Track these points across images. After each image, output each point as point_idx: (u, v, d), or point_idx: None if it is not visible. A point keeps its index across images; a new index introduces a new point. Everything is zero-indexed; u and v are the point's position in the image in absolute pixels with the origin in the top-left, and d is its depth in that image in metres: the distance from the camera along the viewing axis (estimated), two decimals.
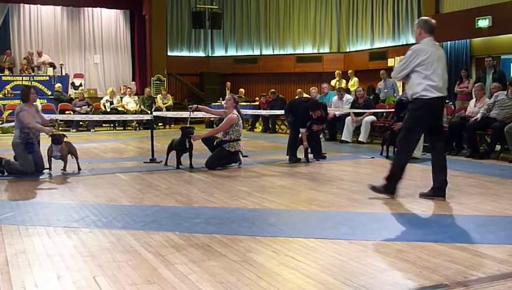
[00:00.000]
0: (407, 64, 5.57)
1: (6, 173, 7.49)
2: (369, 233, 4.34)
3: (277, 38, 20.90)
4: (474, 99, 10.13)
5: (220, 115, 9.34)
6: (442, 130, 6.07)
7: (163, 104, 17.77)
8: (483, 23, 13.86)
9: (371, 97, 13.59)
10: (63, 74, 18.39)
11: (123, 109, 17.07)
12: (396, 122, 9.23)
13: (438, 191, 5.61)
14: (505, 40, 13.77)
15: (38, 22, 19.69)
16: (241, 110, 8.89)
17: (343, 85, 15.73)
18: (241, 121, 8.35)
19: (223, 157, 8.15)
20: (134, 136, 14.32)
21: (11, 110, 14.75)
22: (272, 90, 16.57)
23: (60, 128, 15.51)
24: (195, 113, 8.75)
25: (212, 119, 16.11)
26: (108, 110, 17.00)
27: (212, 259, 3.65)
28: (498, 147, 9.32)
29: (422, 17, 6.10)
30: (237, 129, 8.18)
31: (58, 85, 17.32)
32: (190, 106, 8.81)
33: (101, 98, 18.03)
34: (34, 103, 8.03)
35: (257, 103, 17.43)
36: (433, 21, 5.77)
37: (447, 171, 5.63)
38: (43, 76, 17.83)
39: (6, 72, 17.53)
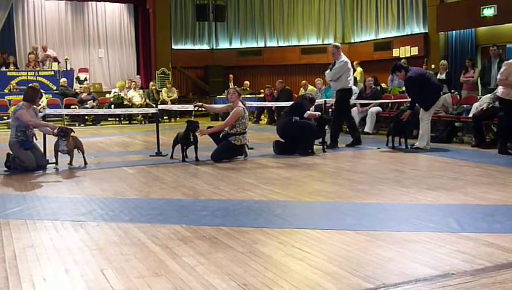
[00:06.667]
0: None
1: (12, 167, 7.52)
2: (376, 223, 4.34)
3: (281, 30, 20.82)
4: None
5: (226, 111, 9.22)
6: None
7: (168, 97, 17.77)
8: (489, 12, 13.78)
9: (378, 88, 13.54)
10: (68, 68, 18.40)
11: (128, 103, 17.11)
12: (403, 112, 9.08)
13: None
14: (510, 29, 13.68)
15: (42, 16, 19.69)
16: (246, 102, 8.87)
17: None
18: (247, 114, 8.30)
19: (229, 150, 8.14)
20: (140, 130, 14.34)
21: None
22: (279, 80, 16.51)
23: (66, 122, 15.55)
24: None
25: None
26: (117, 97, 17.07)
27: (219, 251, 3.66)
28: None
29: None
30: (243, 122, 8.15)
31: (63, 80, 17.33)
32: (195, 102, 8.81)
33: (106, 92, 18.03)
34: (34, 106, 8.01)
35: (262, 95, 17.41)
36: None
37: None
38: (48, 71, 17.86)
39: (12, 68, 17.57)
